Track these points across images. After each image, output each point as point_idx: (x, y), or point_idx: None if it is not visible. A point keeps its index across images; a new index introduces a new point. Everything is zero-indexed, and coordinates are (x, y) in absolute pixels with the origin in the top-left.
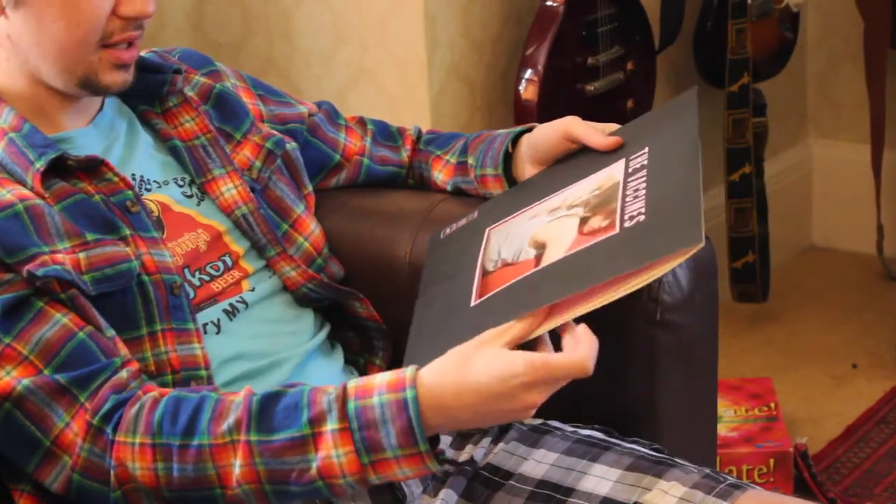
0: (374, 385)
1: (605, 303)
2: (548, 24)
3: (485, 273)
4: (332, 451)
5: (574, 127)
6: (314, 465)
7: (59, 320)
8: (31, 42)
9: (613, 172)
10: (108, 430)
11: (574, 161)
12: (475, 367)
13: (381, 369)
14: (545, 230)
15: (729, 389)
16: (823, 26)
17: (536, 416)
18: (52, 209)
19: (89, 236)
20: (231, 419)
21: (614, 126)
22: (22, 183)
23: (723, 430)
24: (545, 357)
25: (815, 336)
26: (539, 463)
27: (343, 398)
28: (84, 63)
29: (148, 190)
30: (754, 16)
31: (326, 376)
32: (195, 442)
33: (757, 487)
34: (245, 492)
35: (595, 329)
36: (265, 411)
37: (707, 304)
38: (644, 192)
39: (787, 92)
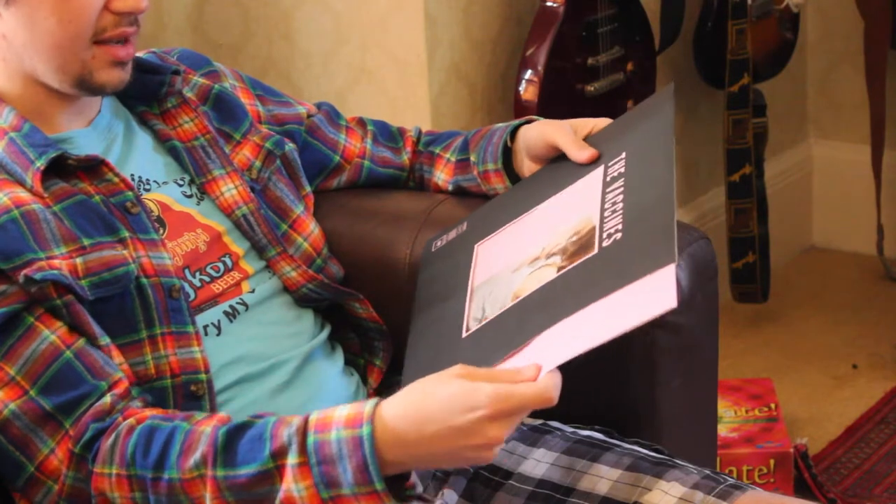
0: (334, 419)
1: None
2: (548, 24)
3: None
4: (292, 486)
5: (556, 136)
6: (278, 497)
7: (47, 337)
8: (25, 41)
9: (592, 183)
10: (89, 458)
11: (559, 165)
12: (437, 399)
13: (381, 370)
14: (526, 284)
15: (729, 390)
16: (823, 27)
17: (537, 416)
18: (48, 214)
19: (86, 241)
20: (198, 453)
21: (603, 122)
22: (21, 183)
23: (723, 430)
24: (509, 388)
25: (815, 336)
26: (539, 463)
27: (304, 431)
28: (78, 61)
29: (147, 190)
30: (754, 16)
31: (327, 377)
32: (165, 476)
33: (757, 488)
34: None
35: None
36: (230, 445)
37: (707, 304)
38: (621, 205)
39: (788, 92)
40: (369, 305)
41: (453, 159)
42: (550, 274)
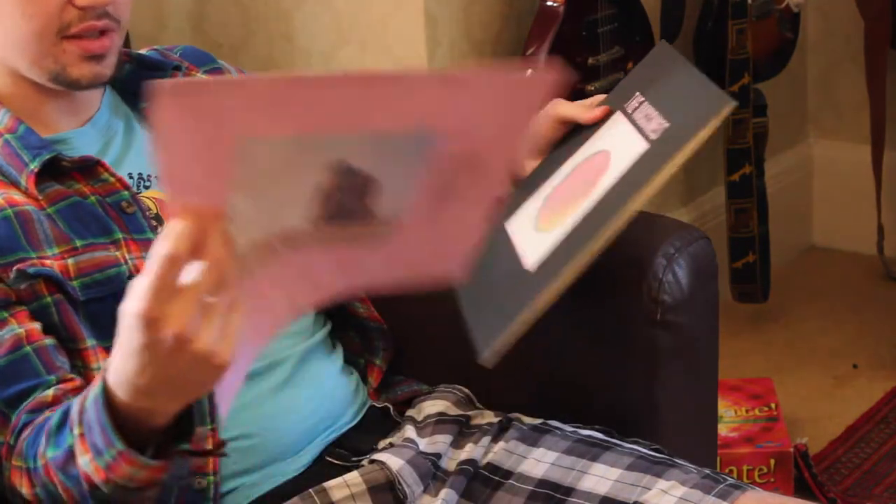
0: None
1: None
2: (548, 24)
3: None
4: (80, 460)
5: (562, 109)
6: (80, 475)
7: (13, 329)
8: (1, 35)
9: (613, 122)
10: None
11: (570, 139)
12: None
13: (382, 370)
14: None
15: (729, 390)
16: (824, 27)
17: (537, 415)
18: (41, 215)
19: (78, 242)
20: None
21: (600, 97)
22: (16, 185)
23: (723, 430)
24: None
25: (815, 336)
26: (539, 462)
27: (82, 400)
28: (49, 56)
29: (147, 187)
30: (754, 16)
31: (326, 376)
32: (35, 464)
33: (757, 488)
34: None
35: (595, 329)
36: (60, 424)
37: (707, 304)
38: (656, 111)
39: (788, 92)
40: (370, 305)
41: None
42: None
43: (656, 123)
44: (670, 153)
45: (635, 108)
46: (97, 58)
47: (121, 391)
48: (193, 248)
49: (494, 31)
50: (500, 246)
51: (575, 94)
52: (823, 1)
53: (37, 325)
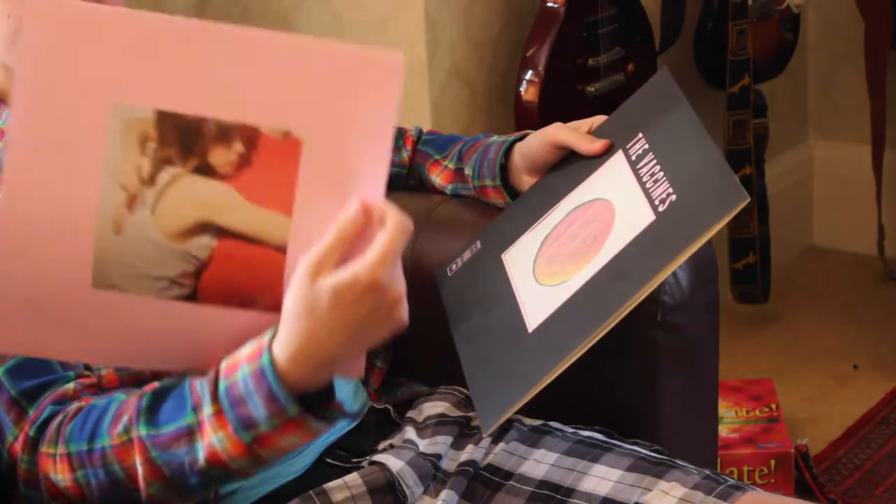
0: (239, 360)
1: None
2: (548, 25)
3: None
4: (212, 437)
5: (560, 135)
6: (200, 455)
7: None
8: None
9: (615, 166)
10: (41, 441)
11: (567, 167)
12: (318, 298)
13: (382, 370)
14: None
15: (730, 390)
16: (824, 27)
17: (537, 416)
18: None
19: None
20: (126, 417)
21: (600, 119)
22: None
23: (723, 431)
24: (374, 249)
25: (815, 337)
26: (539, 463)
27: (215, 380)
28: None
29: None
30: (755, 17)
31: None
32: (98, 445)
33: (757, 489)
34: (157, 489)
35: None
36: (154, 405)
37: (708, 305)
38: (662, 173)
39: (788, 93)
40: None
41: (451, 167)
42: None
43: (663, 191)
44: (679, 248)
45: (639, 156)
46: None
47: (301, 372)
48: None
49: (495, 32)
50: (499, 287)
51: (575, 94)
52: (824, 2)
53: None
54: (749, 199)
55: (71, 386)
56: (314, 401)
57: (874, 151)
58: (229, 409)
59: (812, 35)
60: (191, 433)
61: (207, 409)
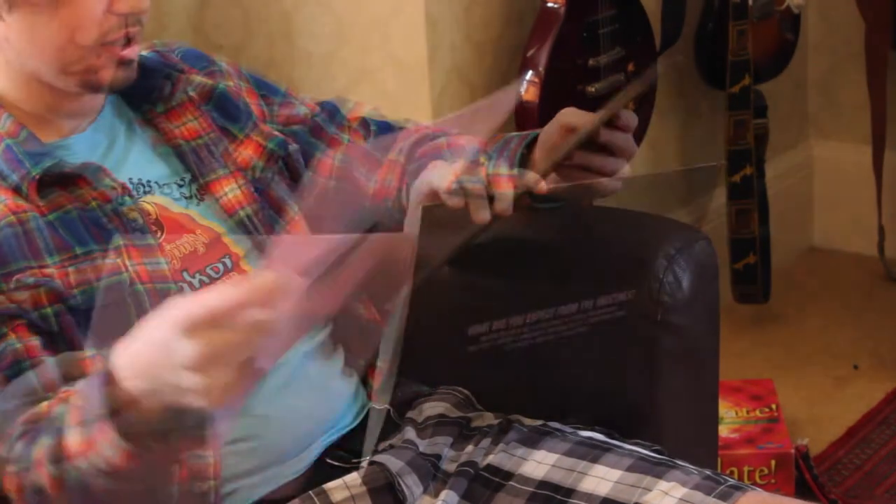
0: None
1: None
2: (549, 25)
3: None
4: (69, 436)
5: (569, 118)
6: (66, 457)
7: (12, 344)
8: (27, 44)
9: None
10: (8, 460)
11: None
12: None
13: (382, 371)
14: None
15: (730, 391)
16: (824, 28)
17: (537, 417)
18: (41, 223)
19: (79, 249)
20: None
21: (591, 120)
22: (17, 190)
23: (724, 431)
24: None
25: (816, 337)
26: (539, 464)
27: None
28: (83, 62)
29: (147, 192)
30: (755, 17)
31: (326, 378)
32: (25, 466)
33: (758, 489)
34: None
35: (595, 329)
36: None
37: (708, 305)
38: None
39: (789, 93)
40: (371, 306)
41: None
42: None
43: None
44: None
45: None
46: (127, 62)
47: (120, 372)
48: (263, 302)
49: (495, 33)
50: None
51: (576, 94)
52: (824, 2)
53: (36, 342)
54: None
55: (45, 405)
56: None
57: (874, 152)
58: (82, 404)
59: (812, 35)
60: (63, 437)
61: (75, 400)
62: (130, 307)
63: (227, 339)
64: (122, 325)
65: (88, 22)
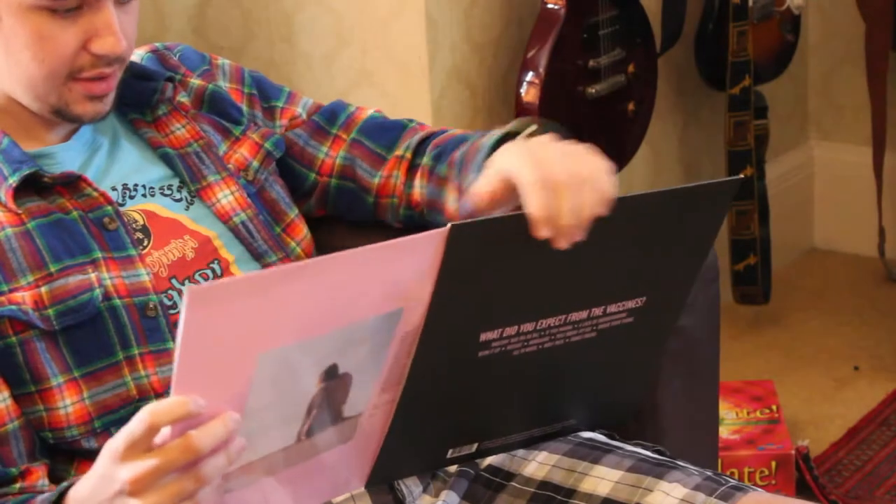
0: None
1: None
2: (549, 26)
3: None
4: None
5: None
6: None
7: None
8: (2, 66)
9: None
10: None
11: None
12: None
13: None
14: None
15: (730, 392)
16: (825, 29)
17: None
18: (14, 242)
19: (53, 267)
20: None
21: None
22: None
23: (724, 432)
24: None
25: (816, 338)
26: (541, 465)
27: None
28: (55, 94)
29: (132, 199)
30: (755, 18)
31: None
32: None
33: (759, 490)
34: None
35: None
36: None
37: (708, 306)
38: None
39: (789, 94)
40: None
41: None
42: None
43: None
44: None
45: None
46: (100, 98)
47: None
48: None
49: (495, 34)
50: None
51: (576, 95)
52: (824, 3)
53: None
54: None
55: (17, 486)
56: None
57: (875, 153)
58: None
59: (813, 36)
60: None
61: None
62: (108, 322)
63: (157, 459)
64: (95, 344)
65: (61, 58)
